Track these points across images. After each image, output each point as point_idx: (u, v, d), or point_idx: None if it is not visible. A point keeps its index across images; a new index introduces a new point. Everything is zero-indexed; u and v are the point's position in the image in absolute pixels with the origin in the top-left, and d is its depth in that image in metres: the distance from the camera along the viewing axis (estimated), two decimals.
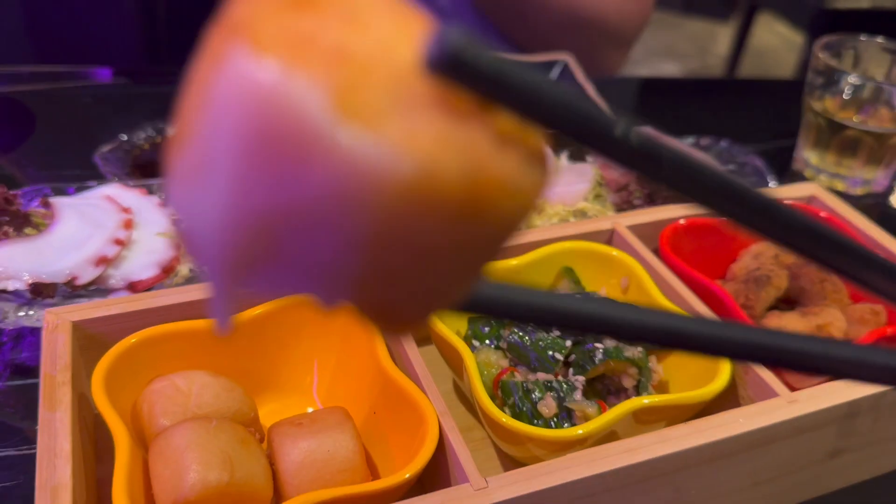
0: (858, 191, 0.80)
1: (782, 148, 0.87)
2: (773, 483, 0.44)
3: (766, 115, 0.98)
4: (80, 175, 0.70)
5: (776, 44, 3.69)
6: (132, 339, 0.42)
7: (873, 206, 0.79)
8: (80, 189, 0.63)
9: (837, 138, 0.78)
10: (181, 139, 0.16)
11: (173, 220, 0.17)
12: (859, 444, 0.45)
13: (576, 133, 0.16)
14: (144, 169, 0.71)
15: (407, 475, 0.36)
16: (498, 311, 0.20)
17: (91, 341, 0.44)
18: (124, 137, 0.73)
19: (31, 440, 0.48)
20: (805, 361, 0.21)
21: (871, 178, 0.79)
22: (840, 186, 0.80)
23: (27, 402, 0.51)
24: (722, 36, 3.81)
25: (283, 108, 0.14)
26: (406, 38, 0.15)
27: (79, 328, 0.44)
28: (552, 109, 0.15)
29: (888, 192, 0.81)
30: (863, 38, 0.80)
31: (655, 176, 0.18)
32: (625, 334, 0.20)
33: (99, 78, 0.92)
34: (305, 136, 0.14)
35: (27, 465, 0.47)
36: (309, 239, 0.15)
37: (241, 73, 0.14)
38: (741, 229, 0.20)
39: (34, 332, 0.54)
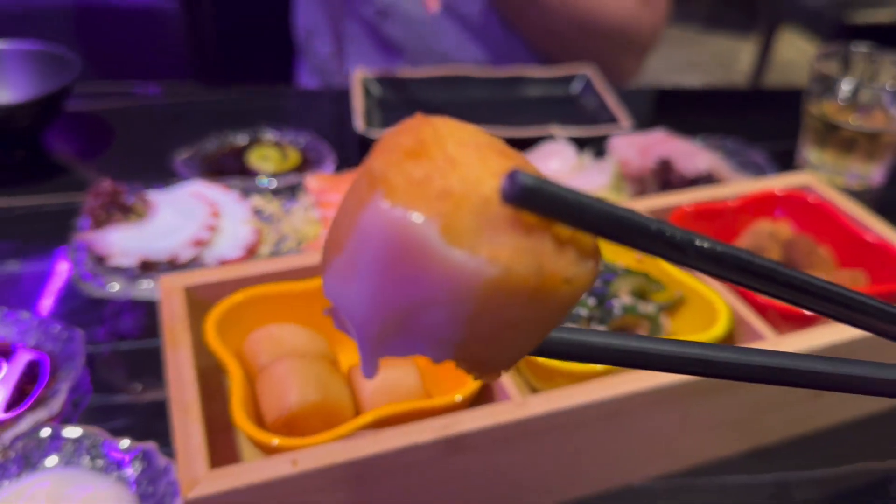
0: (856, 185, 0.88)
1: (787, 149, 0.95)
2: (769, 415, 0.52)
3: (773, 120, 1.06)
4: (158, 177, 0.81)
5: (798, 59, 3.74)
6: (237, 296, 0.52)
7: (870, 199, 0.87)
8: (168, 187, 0.73)
9: (835, 139, 0.86)
10: (333, 247, 0.23)
11: (330, 307, 0.24)
12: None
13: (616, 236, 0.21)
14: (216, 172, 0.81)
15: (458, 397, 0.45)
16: (567, 355, 0.25)
17: (196, 302, 0.54)
18: (201, 145, 0.84)
19: (140, 392, 0.58)
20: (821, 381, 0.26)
21: (867, 173, 0.87)
22: (839, 182, 0.88)
23: (131, 364, 0.61)
24: (744, 51, 3.86)
25: (409, 238, 0.20)
26: (489, 174, 0.21)
27: (188, 291, 0.54)
28: (595, 222, 0.21)
29: (884, 185, 0.89)
30: (855, 47, 0.89)
31: (683, 261, 0.22)
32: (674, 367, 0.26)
33: (152, 93, 1.03)
34: (425, 255, 0.20)
35: (142, 408, 0.57)
36: (427, 321, 0.21)
37: (380, 214, 0.20)
38: (753, 291, 0.24)
39: (133, 308, 0.64)
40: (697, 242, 0.22)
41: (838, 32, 2.69)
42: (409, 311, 0.21)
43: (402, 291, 0.21)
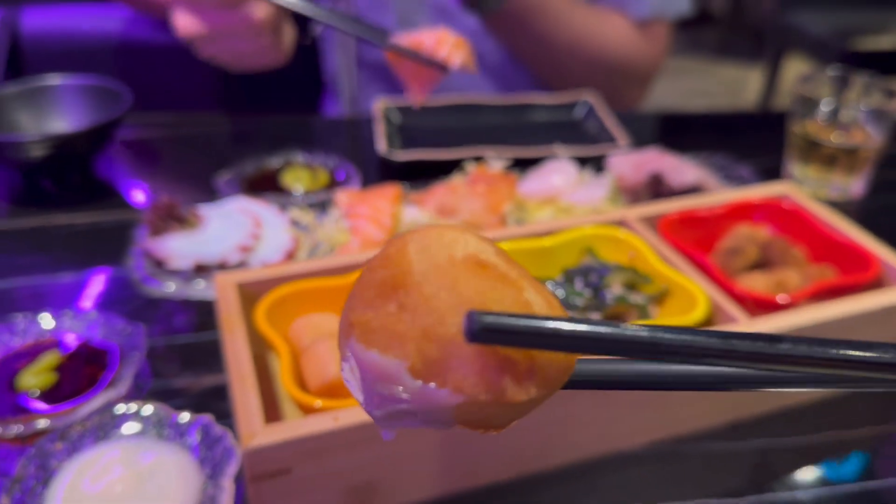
0: (837, 197, 0.95)
1: (775, 165, 1.03)
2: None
3: (762, 139, 1.14)
4: (202, 197, 0.90)
5: None
6: (282, 289, 0.60)
7: (851, 209, 0.95)
8: (215, 203, 0.83)
9: (817, 155, 0.94)
10: (340, 349, 0.27)
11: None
12: None
13: (576, 349, 0.23)
14: (254, 191, 0.91)
15: None
16: (594, 384, 0.28)
17: (246, 297, 0.63)
18: (240, 167, 0.93)
19: (194, 378, 0.66)
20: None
21: (848, 186, 0.95)
22: (822, 194, 0.96)
23: (185, 354, 0.69)
24: (752, 79, 3.94)
25: (384, 374, 0.24)
26: (457, 304, 0.24)
27: (240, 287, 0.62)
28: (553, 343, 0.23)
29: (863, 196, 0.97)
30: (832, 72, 0.97)
31: (654, 358, 0.26)
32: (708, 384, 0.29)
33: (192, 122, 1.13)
34: (399, 385, 0.24)
35: (196, 391, 0.65)
36: (422, 417, 0.25)
37: (358, 353, 0.25)
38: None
39: (186, 307, 0.73)
40: (656, 336, 0.24)
41: (842, 59, 2.77)
42: (401, 413, 0.25)
43: (391, 404, 0.25)
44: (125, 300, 0.74)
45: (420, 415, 0.25)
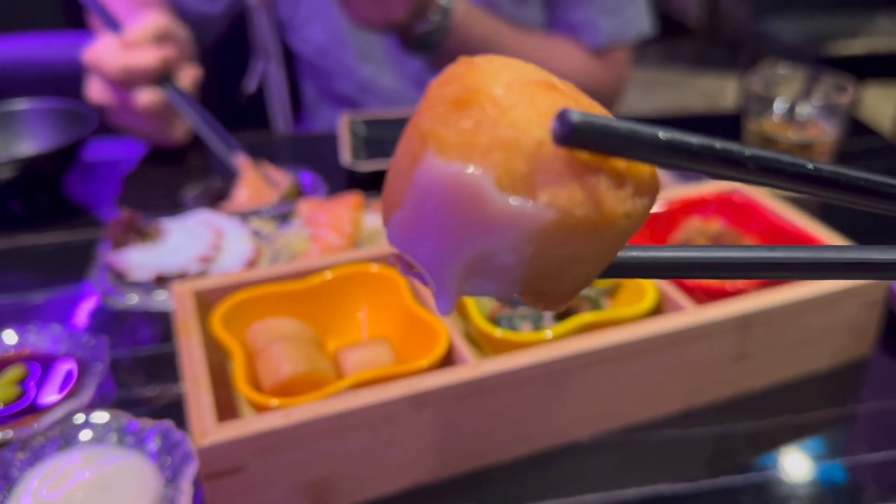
0: (795, 194, 0.97)
1: None
2: (692, 379, 0.61)
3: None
4: (169, 213, 0.91)
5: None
6: (239, 295, 0.61)
7: (811, 204, 0.96)
8: (177, 217, 0.83)
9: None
10: (392, 202, 0.23)
11: (396, 254, 0.24)
12: (757, 350, 0.62)
13: (670, 162, 0.21)
14: (218, 204, 0.92)
15: (425, 363, 0.54)
16: (634, 271, 0.25)
17: (204, 305, 0.63)
18: (207, 182, 0.95)
19: (157, 389, 0.67)
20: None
21: None
22: (780, 192, 0.98)
23: (148, 366, 0.69)
24: (730, 89, 3.99)
25: (466, 191, 0.21)
26: (538, 115, 0.21)
27: (197, 294, 0.63)
28: (648, 151, 0.21)
29: None
30: (782, 69, 0.99)
31: (742, 177, 0.23)
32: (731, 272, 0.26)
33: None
34: (484, 206, 0.21)
35: (159, 401, 0.65)
36: (493, 264, 0.22)
37: (435, 170, 0.21)
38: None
39: (148, 320, 0.74)
40: (748, 153, 0.22)
41: (817, 65, 2.82)
42: (475, 258, 0.22)
43: (467, 241, 0.21)
44: (90, 314, 0.74)
45: (501, 252, 0.21)
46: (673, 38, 4.38)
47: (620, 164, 0.21)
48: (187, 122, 1.04)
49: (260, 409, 0.52)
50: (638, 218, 0.22)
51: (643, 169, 0.22)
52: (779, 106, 0.97)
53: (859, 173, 0.25)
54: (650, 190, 0.22)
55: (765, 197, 0.77)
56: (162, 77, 0.96)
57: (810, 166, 0.23)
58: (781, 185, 0.23)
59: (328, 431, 0.50)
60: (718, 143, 0.22)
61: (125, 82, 0.93)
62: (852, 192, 0.25)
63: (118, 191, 1.01)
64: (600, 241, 0.22)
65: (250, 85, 1.29)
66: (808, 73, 0.99)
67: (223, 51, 1.41)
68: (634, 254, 0.25)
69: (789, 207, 0.75)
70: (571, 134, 0.20)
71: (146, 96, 0.94)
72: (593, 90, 1.23)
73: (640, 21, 1.22)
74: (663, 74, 4.14)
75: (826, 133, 0.95)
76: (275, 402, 0.51)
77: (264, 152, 1.10)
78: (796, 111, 0.97)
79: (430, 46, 1.04)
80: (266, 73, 1.36)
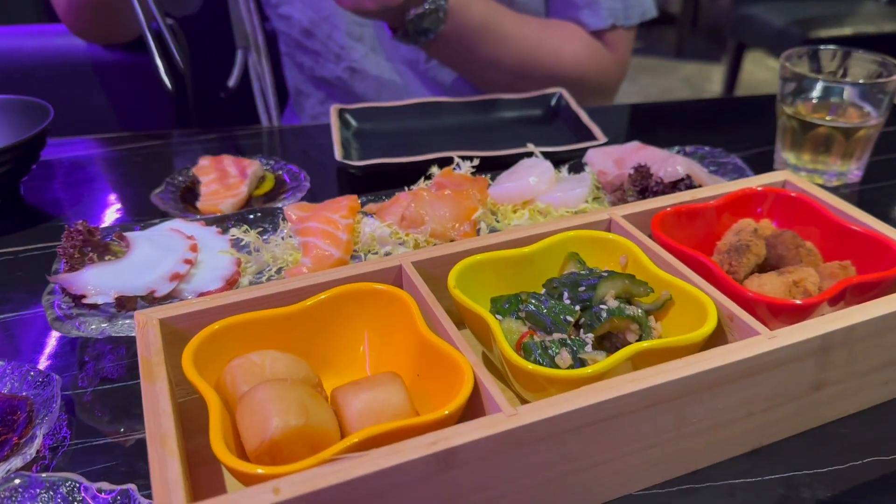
0: (835, 182, 0.88)
1: (764, 152, 0.95)
2: (765, 413, 0.51)
3: (745, 128, 1.06)
4: (137, 219, 0.81)
5: (767, 77, 3.81)
6: (215, 326, 0.50)
7: (850, 196, 0.87)
8: (145, 226, 0.72)
9: (810, 137, 0.86)
10: None
11: None
12: (838, 377, 0.52)
13: None
14: (188, 199, 0.82)
15: (447, 412, 0.44)
16: None
17: (174, 335, 0.53)
18: (173, 177, 0.84)
19: (122, 433, 0.56)
20: None
21: (846, 170, 0.87)
22: (818, 181, 0.88)
23: (112, 405, 0.59)
24: (715, 75, 3.94)
25: None
26: None
27: (164, 324, 0.52)
28: None
29: (862, 181, 0.89)
30: (822, 47, 0.89)
31: None
32: None
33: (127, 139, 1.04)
34: None
35: (124, 449, 0.55)
36: None
37: None
38: None
39: (114, 348, 0.63)
40: None
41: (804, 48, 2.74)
42: None
43: None
44: (42, 344, 0.63)
45: None
46: (655, 27, 4.35)
47: None
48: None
49: (242, 479, 0.41)
50: None
51: None
52: (816, 87, 0.87)
53: None
54: None
55: (819, 191, 0.67)
56: None
57: None
58: None
59: None
60: None
61: None
62: None
63: (81, 195, 0.90)
64: None
65: (232, 79, 1.18)
66: (847, 51, 0.89)
67: (207, 47, 1.31)
68: None
69: (845, 203, 0.65)
70: None
71: None
72: (595, 73, 1.15)
73: (644, 1, 1.14)
74: (645, 60, 4.09)
75: (870, 117, 0.85)
76: (260, 470, 0.40)
77: (250, 148, 1.00)
78: (832, 92, 0.87)
79: (427, 32, 0.96)
80: (248, 65, 1.26)
